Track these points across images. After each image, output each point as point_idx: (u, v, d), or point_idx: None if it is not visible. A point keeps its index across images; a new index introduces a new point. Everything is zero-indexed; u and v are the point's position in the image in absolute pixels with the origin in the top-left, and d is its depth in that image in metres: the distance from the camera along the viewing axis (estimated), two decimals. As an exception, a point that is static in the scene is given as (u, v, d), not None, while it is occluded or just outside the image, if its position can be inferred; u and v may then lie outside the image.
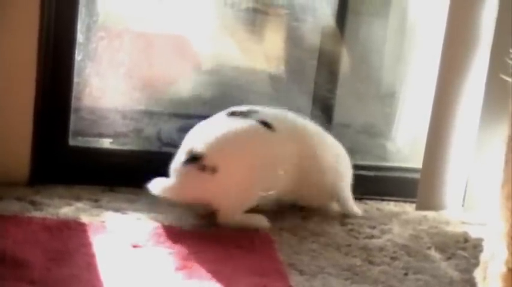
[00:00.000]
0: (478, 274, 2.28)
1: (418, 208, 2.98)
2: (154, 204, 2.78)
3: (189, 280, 2.33)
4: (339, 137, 3.10)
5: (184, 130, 3.21)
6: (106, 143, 3.10)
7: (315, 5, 3.37)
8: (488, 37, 2.85)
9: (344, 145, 3.03)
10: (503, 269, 2.10)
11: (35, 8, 2.70)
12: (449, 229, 2.92)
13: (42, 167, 2.85)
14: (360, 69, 3.47)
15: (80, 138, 3.04)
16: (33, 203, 2.71)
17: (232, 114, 2.75)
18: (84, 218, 2.64)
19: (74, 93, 2.91)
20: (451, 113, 2.89)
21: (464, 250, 2.75)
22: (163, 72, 3.40)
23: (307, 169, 2.78)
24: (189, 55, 3.47)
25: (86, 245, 2.46)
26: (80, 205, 2.74)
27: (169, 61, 3.43)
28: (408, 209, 3.03)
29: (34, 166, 2.84)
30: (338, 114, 3.19)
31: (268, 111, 2.79)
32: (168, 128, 3.24)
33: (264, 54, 3.58)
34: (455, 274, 2.59)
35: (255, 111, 2.75)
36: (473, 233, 2.87)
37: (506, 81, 2.53)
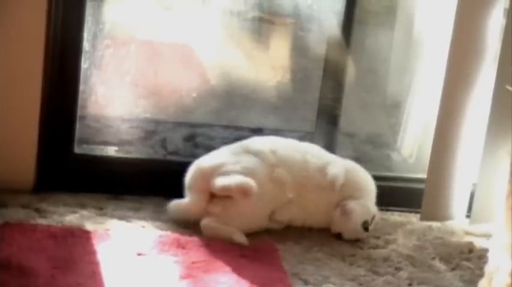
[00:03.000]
0: (482, 285, 2.28)
1: (423, 219, 2.98)
2: (159, 212, 2.78)
3: (194, 288, 2.34)
4: (344, 146, 3.09)
5: (189, 139, 3.22)
6: (111, 151, 3.11)
7: (320, 14, 3.37)
8: (494, 48, 2.85)
9: (349, 154, 3.02)
10: (508, 280, 2.10)
11: (41, 16, 2.71)
12: (454, 239, 2.91)
13: (47, 175, 2.86)
14: (365, 79, 3.48)
15: (85, 146, 3.04)
16: (38, 210, 2.71)
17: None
18: (89, 226, 2.64)
19: (80, 101, 2.91)
20: (456, 123, 2.89)
21: (469, 261, 2.75)
22: (168, 81, 3.41)
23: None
24: (194, 64, 3.48)
25: (90, 253, 2.46)
26: (84, 212, 2.74)
27: (175, 70, 3.44)
28: (413, 219, 3.03)
29: (39, 173, 2.84)
30: (343, 124, 3.19)
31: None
32: (173, 136, 3.24)
33: (270, 63, 3.58)
34: (459, 285, 2.58)
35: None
36: (478, 244, 2.87)
37: (512, 92, 2.53)
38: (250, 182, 2.62)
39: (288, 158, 2.78)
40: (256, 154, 2.76)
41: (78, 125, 2.93)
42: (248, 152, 2.77)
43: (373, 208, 2.87)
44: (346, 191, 2.83)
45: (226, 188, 2.62)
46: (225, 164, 2.70)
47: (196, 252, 2.54)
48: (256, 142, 2.83)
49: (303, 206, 2.80)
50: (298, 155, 2.81)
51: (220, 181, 2.64)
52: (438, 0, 3.19)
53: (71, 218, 2.68)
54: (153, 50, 3.41)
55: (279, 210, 2.77)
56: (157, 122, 3.28)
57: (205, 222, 2.67)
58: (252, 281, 2.40)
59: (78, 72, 2.87)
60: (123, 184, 2.92)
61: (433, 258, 2.75)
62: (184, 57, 3.48)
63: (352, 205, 2.80)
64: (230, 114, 3.43)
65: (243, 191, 2.61)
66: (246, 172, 2.67)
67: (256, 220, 2.72)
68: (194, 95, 3.38)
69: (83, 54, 2.89)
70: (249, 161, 2.72)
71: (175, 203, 2.72)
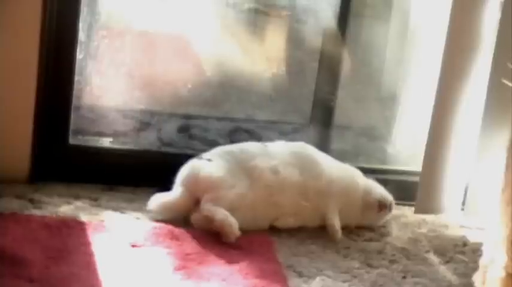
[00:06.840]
0: (477, 278, 2.28)
1: (417, 211, 2.98)
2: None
3: (188, 280, 2.33)
4: (339, 139, 3.08)
5: (184, 130, 3.22)
6: (106, 142, 3.10)
7: (316, 6, 3.37)
8: (490, 41, 2.85)
9: (344, 147, 3.01)
10: (503, 273, 2.11)
11: (36, 6, 2.70)
12: (448, 232, 2.92)
13: (42, 166, 2.85)
14: (360, 72, 3.47)
15: (80, 137, 3.04)
16: (32, 201, 2.70)
17: None
18: (84, 217, 2.64)
19: (75, 91, 2.91)
20: (451, 116, 2.89)
21: (463, 254, 2.76)
22: (163, 72, 3.40)
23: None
24: (190, 55, 3.47)
25: (85, 244, 2.46)
26: (79, 203, 2.74)
27: (170, 61, 3.43)
28: (407, 212, 3.03)
29: (34, 164, 2.84)
30: (338, 117, 3.19)
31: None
32: (168, 127, 3.23)
33: (265, 55, 3.58)
34: (453, 278, 2.59)
35: None
36: (472, 237, 2.88)
37: (508, 85, 2.53)
38: (232, 224, 2.60)
39: (286, 179, 2.76)
40: (254, 171, 2.74)
41: (73, 116, 2.92)
42: (247, 170, 2.74)
43: (370, 179, 2.92)
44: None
45: (209, 219, 2.62)
46: (221, 183, 2.68)
47: (190, 244, 2.54)
48: (257, 157, 2.78)
49: (301, 217, 2.79)
50: (297, 173, 2.79)
51: (207, 209, 2.64)
52: (434, -7, 3.19)
53: (66, 209, 2.68)
54: (148, 41, 3.40)
55: (277, 220, 2.77)
56: (152, 113, 3.28)
57: (195, 216, 2.67)
58: (246, 273, 2.40)
59: (74, 63, 2.87)
60: (118, 175, 2.92)
61: (427, 251, 2.76)
62: (179, 48, 3.47)
63: (378, 195, 2.87)
64: (225, 106, 3.43)
65: (223, 230, 2.60)
66: (239, 200, 2.67)
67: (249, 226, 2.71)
68: (189, 86, 3.38)
69: (78, 45, 2.89)
70: (244, 186, 2.71)
71: (162, 197, 2.70)
